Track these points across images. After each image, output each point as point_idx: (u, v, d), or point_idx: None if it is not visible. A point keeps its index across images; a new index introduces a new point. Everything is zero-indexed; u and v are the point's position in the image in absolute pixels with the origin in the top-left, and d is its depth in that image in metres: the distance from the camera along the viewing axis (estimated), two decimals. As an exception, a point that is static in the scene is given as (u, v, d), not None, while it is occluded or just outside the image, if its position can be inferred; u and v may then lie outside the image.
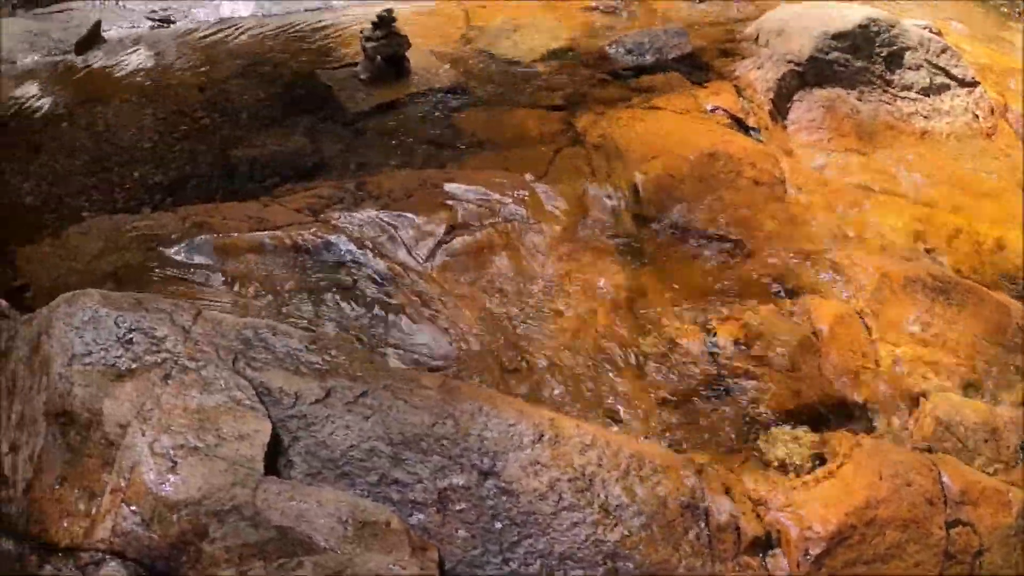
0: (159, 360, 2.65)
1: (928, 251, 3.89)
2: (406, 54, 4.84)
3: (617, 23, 5.77)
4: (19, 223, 3.94)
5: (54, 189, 4.17)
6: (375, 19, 4.76)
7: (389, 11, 4.77)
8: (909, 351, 3.41)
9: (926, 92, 4.73)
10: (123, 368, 2.63)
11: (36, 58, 5.66)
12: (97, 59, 5.64)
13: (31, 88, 5.31)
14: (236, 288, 3.23)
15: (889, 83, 4.70)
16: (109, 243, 3.55)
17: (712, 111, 4.46)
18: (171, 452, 2.44)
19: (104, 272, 3.39)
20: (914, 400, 3.27)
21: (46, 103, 5.09)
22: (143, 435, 2.47)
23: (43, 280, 3.45)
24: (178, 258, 3.39)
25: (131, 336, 2.70)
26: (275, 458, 2.50)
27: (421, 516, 2.50)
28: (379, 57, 4.74)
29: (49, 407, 2.59)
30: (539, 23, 5.68)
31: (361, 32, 4.88)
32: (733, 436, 3.06)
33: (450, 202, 3.64)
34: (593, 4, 6.09)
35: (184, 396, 2.57)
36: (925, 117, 4.65)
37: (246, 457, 2.46)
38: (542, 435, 2.67)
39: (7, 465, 2.62)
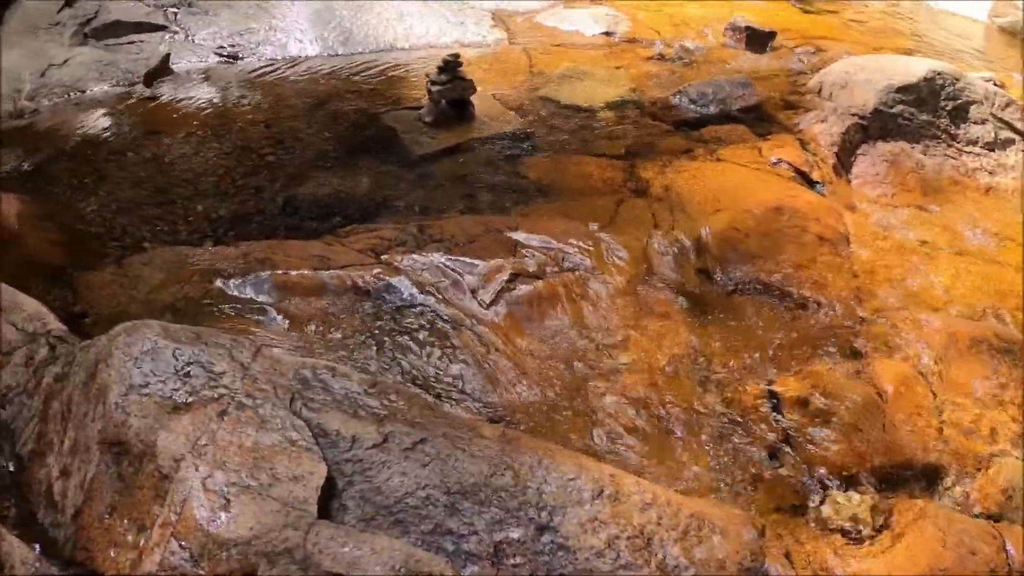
0: (216, 395, 2.62)
1: (994, 310, 3.79)
2: (470, 98, 4.87)
3: (680, 72, 5.79)
4: (82, 249, 3.97)
5: (118, 218, 4.20)
6: (441, 63, 4.81)
7: (455, 55, 4.82)
8: (974, 414, 3.30)
9: (991, 147, 4.65)
10: (180, 401, 2.60)
11: (105, 87, 5.76)
12: (165, 91, 5.73)
13: (99, 117, 5.40)
14: (296, 327, 3.21)
15: (954, 137, 4.64)
16: (170, 274, 3.56)
17: (776, 164, 4.41)
18: (224, 489, 2.41)
19: (164, 303, 3.39)
20: (979, 465, 3.15)
21: (113, 132, 5.17)
22: (196, 470, 2.44)
23: (103, 307, 3.46)
24: (238, 293, 3.39)
25: (189, 369, 2.68)
26: (329, 501, 2.46)
27: (475, 568, 2.43)
28: (444, 101, 4.78)
29: (104, 435, 2.57)
30: (602, 71, 5.72)
31: (427, 75, 4.93)
32: (794, 498, 2.97)
33: (514, 249, 3.62)
34: (656, 53, 6.13)
35: (240, 433, 2.53)
36: (990, 172, 4.57)
37: (299, 499, 2.41)
38: (602, 491, 2.60)
39: (57, 490, 2.61)
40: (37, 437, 2.77)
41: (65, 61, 5.98)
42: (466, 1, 7.01)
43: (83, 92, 5.73)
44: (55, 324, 3.04)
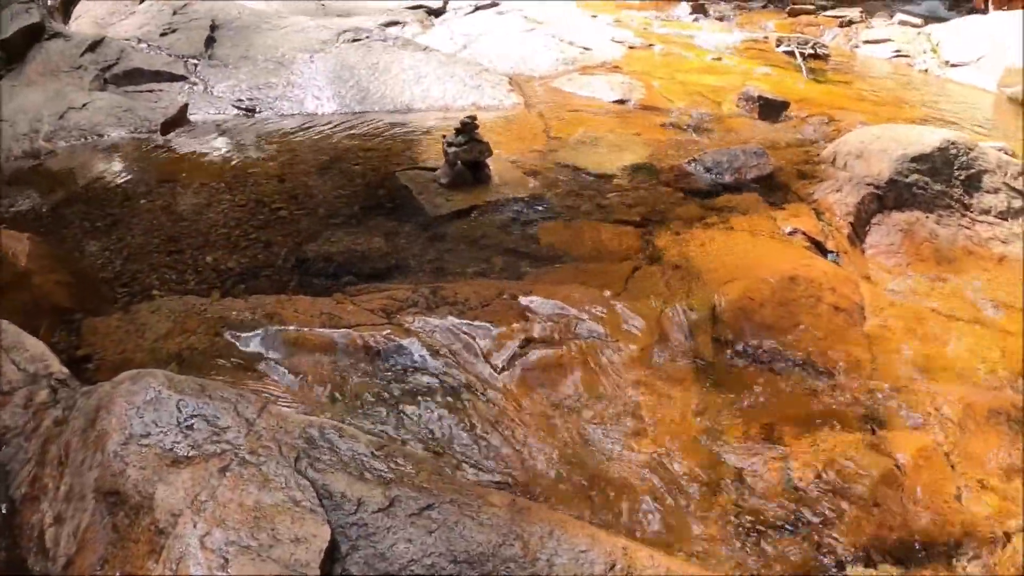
0: (219, 450, 2.57)
1: (1011, 380, 3.74)
2: (487, 161, 4.88)
3: (695, 140, 5.81)
4: (90, 293, 3.95)
5: (127, 264, 4.19)
6: (458, 124, 4.82)
7: (472, 118, 4.84)
8: (994, 486, 3.23)
9: (1004, 215, 4.63)
10: (181, 454, 2.55)
11: (122, 134, 5.82)
12: (181, 141, 5.78)
13: (115, 163, 5.45)
14: (303, 384, 3.17)
15: (967, 207, 4.62)
16: (177, 324, 3.52)
17: (791, 233, 4.40)
18: (223, 548, 2.34)
19: (170, 353, 3.36)
20: (999, 539, 3.08)
21: (128, 179, 5.20)
22: (195, 527, 2.38)
23: (107, 353, 3.42)
24: (246, 347, 3.35)
25: (192, 422, 2.63)
26: (332, 565, 2.39)
27: (481, 643, 2.37)
28: (460, 162, 4.79)
29: (100, 484, 2.52)
30: (618, 137, 5.74)
31: (443, 136, 4.93)
32: (811, 573, 2.90)
33: (527, 314, 3.57)
34: (670, 121, 6.17)
35: (242, 491, 2.48)
36: (1003, 241, 4.54)
37: (301, 562, 2.35)
38: (614, 564, 2.53)
39: (49, 537, 2.56)
40: (32, 481, 2.71)
41: (84, 105, 6.05)
42: (483, 65, 7.11)
43: (100, 136, 5.79)
44: (58, 367, 3.00)
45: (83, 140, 5.75)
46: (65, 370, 3.00)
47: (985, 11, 10.06)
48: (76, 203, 4.86)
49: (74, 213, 4.73)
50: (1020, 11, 9.06)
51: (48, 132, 5.79)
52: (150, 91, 6.49)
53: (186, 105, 6.19)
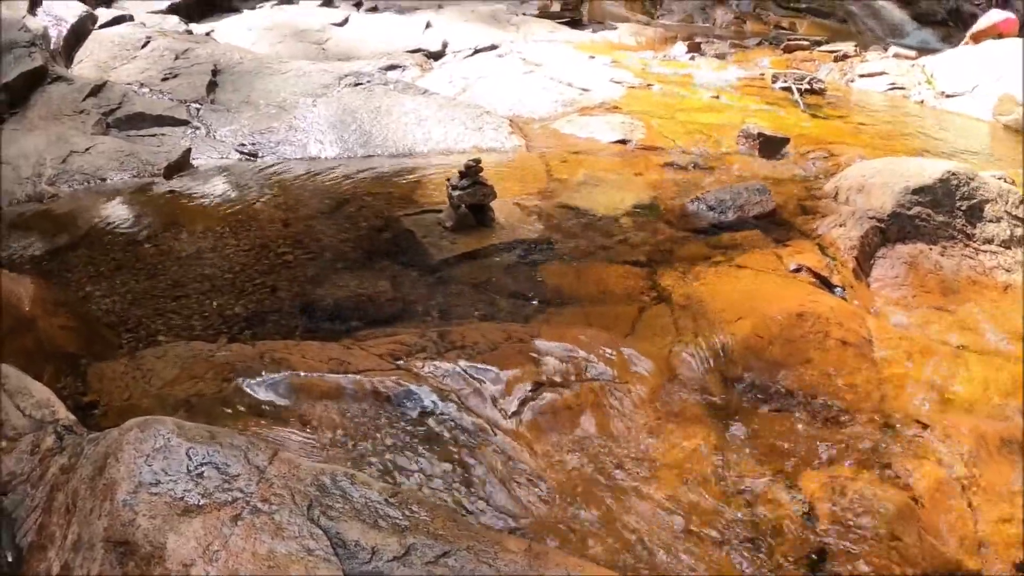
0: (230, 499, 2.55)
1: (1021, 409, 3.72)
2: (490, 204, 4.90)
3: (696, 179, 5.84)
4: (95, 338, 3.96)
5: (133, 309, 4.19)
6: (462, 168, 4.84)
7: (476, 161, 4.86)
8: (1011, 517, 3.22)
9: (1007, 244, 4.64)
10: (192, 503, 2.53)
11: (125, 178, 5.86)
12: (184, 185, 5.81)
13: (118, 207, 5.47)
14: (313, 430, 3.15)
15: (971, 237, 4.63)
16: (184, 370, 3.51)
17: (796, 270, 4.41)
18: (236, 599, 2.33)
19: (177, 399, 3.34)
20: (1018, 568, 3.08)
21: (131, 223, 5.22)
22: (208, 577, 2.35)
23: (114, 399, 3.42)
24: (254, 393, 3.33)
25: (203, 470, 2.61)
26: (346, 615, 2.38)
27: None
28: (464, 206, 4.81)
29: (109, 534, 2.48)
30: (620, 178, 5.77)
31: (447, 180, 4.96)
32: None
33: (536, 358, 3.57)
34: (671, 160, 6.20)
35: (254, 540, 2.46)
36: (1007, 270, 4.55)
37: (315, 611, 2.33)
38: (630, 610, 2.52)
39: (56, 588, 2.52)
40: (39, 529, 2.69)
41: (87, 149, 6.09)
42: (484, 108, 7.14)
43: (103, 181, 5.82)
44: (64, 413, 2.98)
45: (86, 184, 5.77)
46: (72, 416, 2.99)
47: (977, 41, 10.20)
48: (80, 247, 4.87)
49: (78, 257, 4.74)
50: (1013, 40, 9.18)
51: (51, 176, 5.82)
52: (153, 135, 6.51)
53: (189, 149, 6.23)
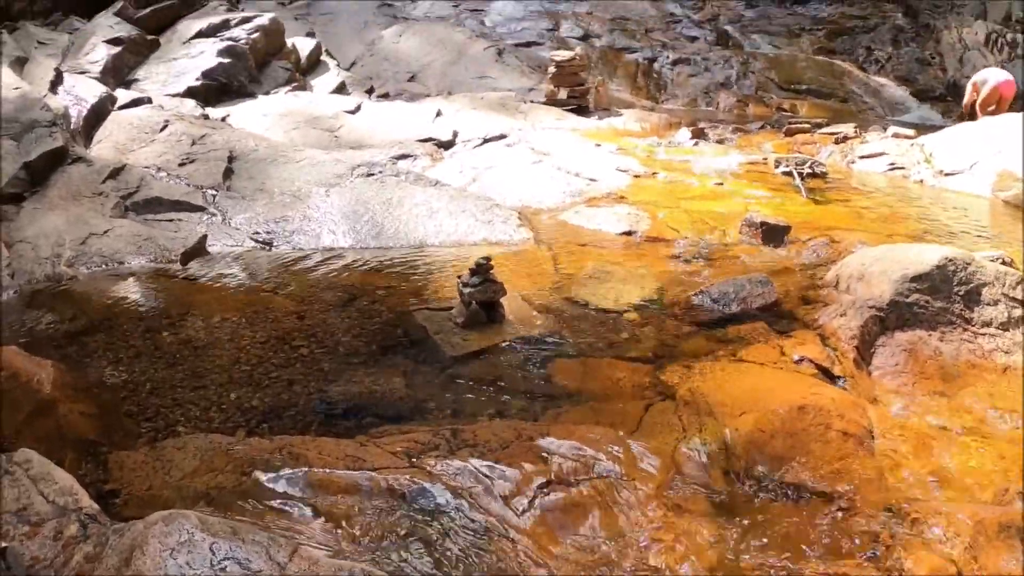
0: (252, 595, 2.64)
1: (1020, 492, 3.72)
2: (500, 300, 5.01)
3: (700, 270, 5.95)
4: (115, 425, 4.04)
5: (152, 398, 4.28)
6: (473, 265, 4.97)
7: (487, 259, 4.99)
8: None
9: (1005, 326, 4.69)
10: (214, 598, 2.61)
11: (143, 262, 5.97)
12: (201, 272, 5.91)
13: (136, 292, 5.56)
14: (331, 526, 3.23)
15: (969, 321, 4.69)
16: (204, 462, 3.61)
17: (798, 362, 4.49)
18: None
19: (198, 491, 3.43)
20: None
21: (149, 309, 5.32)
22: (231, 672, 2.44)
23: (136, 489, 3.50)
24: (273, 487, 3.43)
25: (225, 564, 2.69)
26: None
27: None
28: (475, 302, 4.92)
29: (136, 624, 2.56)
30: (625, 271, 5.86)
31: (458, 277, 5.08)
32: None
33: (545, 456, 3.66)
34: (677, 252, 6.30)
35: (274, 637, 2.54)
36: (1006, 352, 4.59)
37: None
38: None
39: None
40: (63, 615, 2.74)
41: (106, 231, 6.22)
42: (493, 199, 7.26)
43: (121, 264, 5.94)
44: (87, 501, 3.04)
45: (104, 267, 5.89)
46: (95, 505, 3.05)
47: (974, 118, 10.33)
48: (99, 331, 4.97)
49: (97, 342, 4.84)
50: (1011, 115, 9.27)
51: (70, 257, 5.92)
52: (170, 220, 6.63)
53: (205, 236, 6.33)
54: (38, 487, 3.04)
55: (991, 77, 10.61)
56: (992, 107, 10.46)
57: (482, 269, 4.93)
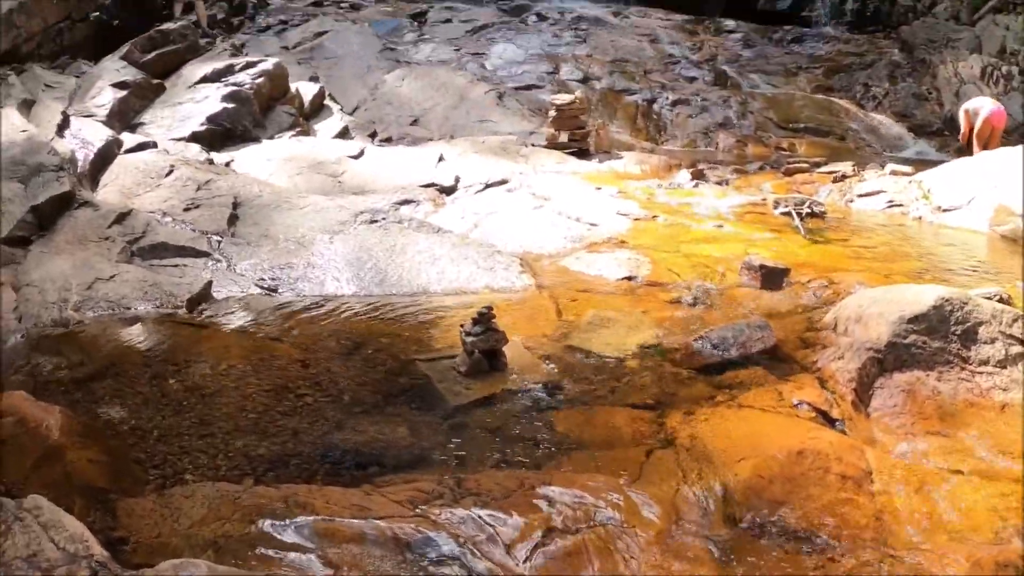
0: (261, 645, 2.70)
1: (1018, 530, 3.74)
2: (503, 349, 5.08)
3: (701, 315, 5.97)
4: (123, 473, 4.08)
5: (159, 445, 4.33)
6: (475, 315, 5.05)
7: (488, 308, 5.08)
8: None
9: (1003, 364, 4.68)
10: (224, 648, 2.67)
11: (148, 308, 6.02)
12: (206, 319, 5.95)
13: (142, 338, 5.61)
14: (338, 575, 3.28)
15: (966, 360, 4.68)
16: (211, 510, 3.67)
17: (797, 406, 4.53)
18: None
19: (205, 539, 3.48)
20: None
21: (156, 355, 5.36)
22: None
23: (144, 536, 3.54)
24: (279, 536, 3.47)
25: (235, 614, 2.76)
26: None
27: None
28: (477, 351, 4.99)
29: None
30: (626, 317, 5.90)
31: (461, 326, 5.14)
32: None
33: (547, 504, 3.72)
34: (677, 297, 6.32)
35: None
36: (1004, 389, 4.59)
37: None
38: None
39: None
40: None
41: (112, 277, 6.27)
42: (495, 246, 7.30)
43: (127, 309, 5.99)
44: (97, 549, 3.08)
45: (110, 312, 5.93)
46: (105, 552, 3.09)
47: (970, 152, 10.37)
48: (106, 378, 5.02)
49: (104, 388, 4.89)
50: (1007, 149, 9.29)
51: (76, 302, 5.97)
52: (175, 266, 6.67)
53: (210, 282, 6.37)
54: (48, 534, 3.07)
55: (983, 107, 10.63)
56: (986, 140, 10.50)
57: (484, 318, 5.01)
